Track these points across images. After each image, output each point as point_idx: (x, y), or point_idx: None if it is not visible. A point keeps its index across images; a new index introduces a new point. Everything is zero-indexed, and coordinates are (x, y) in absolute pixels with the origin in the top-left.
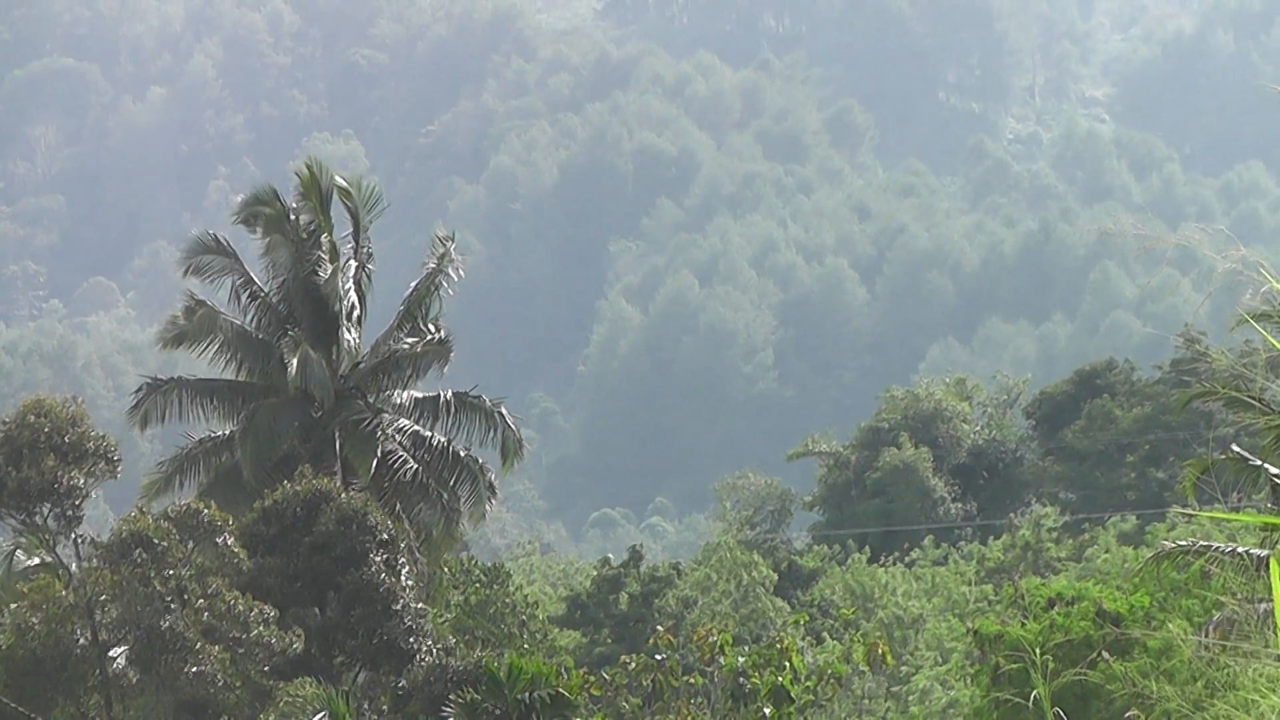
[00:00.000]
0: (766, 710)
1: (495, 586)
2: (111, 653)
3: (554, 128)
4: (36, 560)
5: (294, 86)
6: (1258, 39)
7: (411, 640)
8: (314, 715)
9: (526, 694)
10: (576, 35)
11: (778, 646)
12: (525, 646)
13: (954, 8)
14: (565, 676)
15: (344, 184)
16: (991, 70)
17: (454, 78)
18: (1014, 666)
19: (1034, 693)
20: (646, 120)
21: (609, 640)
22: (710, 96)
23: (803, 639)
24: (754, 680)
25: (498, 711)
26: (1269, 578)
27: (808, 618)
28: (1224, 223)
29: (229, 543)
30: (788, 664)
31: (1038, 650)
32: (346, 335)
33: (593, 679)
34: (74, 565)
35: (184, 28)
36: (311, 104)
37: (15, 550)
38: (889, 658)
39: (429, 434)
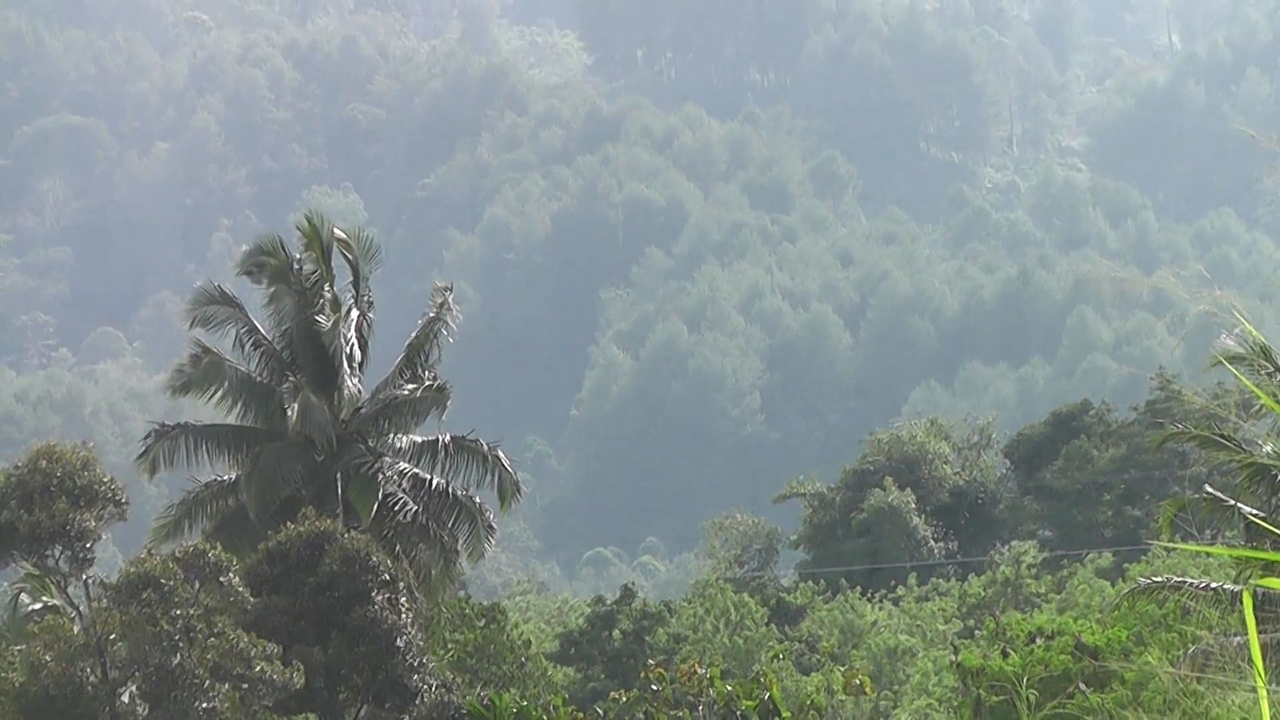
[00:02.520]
0: None
1: (493, 626)
2: (120, 690)
3: (546, 179)
4: (41, 604)
5: (294, 141)
6: (1228, 90)
7: (415, 678)
8: None
9: None
10: (567, 90)
11: (760, 679)
12: (526, 687)
13: (934, 61)
14: (554, 713)
15: (344, 236)
16: (970, 121)
17: (449, 132)
18: (996, 699)
19: None
20: (636, 171)
21: (602, 676)
22: (698, 148)
23: (786, 671)
24: (744, 704)
25: None
26: (1243, 612)
27: (789, 651)
28: (1197, 268)
29: (234, 582)
30: (767, 694)
31: (1021, 682)
32: (348, 381)
33: (581, 716)
34: (84, 605)
35: (187, 85)
36: (311, 158)
37: (20, 594)
38: (868, 688)
39: (428, 477)
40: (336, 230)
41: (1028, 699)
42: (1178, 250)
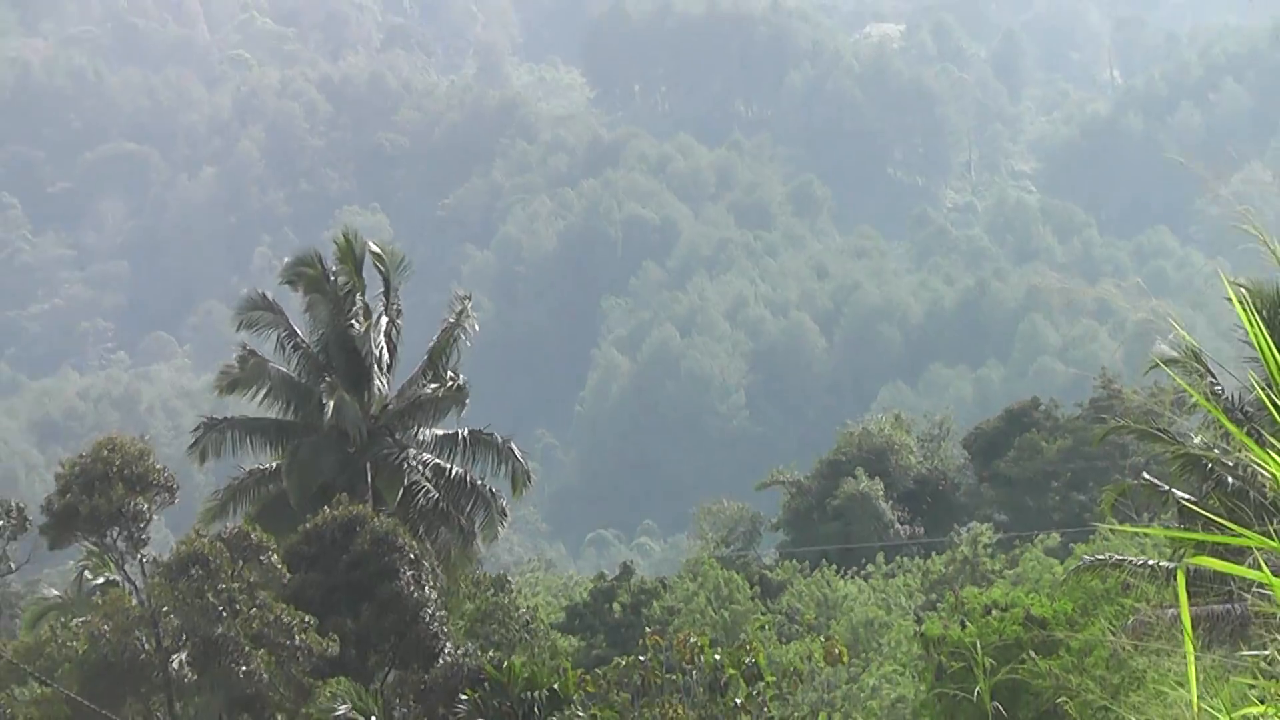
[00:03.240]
0: (739, 699)
1: (501, 595)
2: (172, 657)
3: (553, 200)
4: (103, 579)
5: (327, 166)
6: (1163, 120)
7: (436, 644)
8: (343, 708)
9: (527, 692)
10: (572, 120)
11: (746, 646)
12: (531, 650)
13: (900, 94)
14: (563, 675)
15: (378, 250)
16: (933, 148)
17: (466, 158)
18: (956, 665)
19: (977, 689)
20: (633, 194)
21: (604, 644)
22: (688, 172)
23: (770, 640)
24: (729, 670)
25: (503, 707)
26: (1176, 587)
27: (772, 623)
28: (1135, 280)
29: (274, 561)
30: (752, 660)
31: (977, 649)
32: (377, 381)
33: (589, 678)
34: (139, 581)
35: (231, 116)
36: (343, 181)
37: (84, 571)
38: (844, 656)
39: (448, 466)
40: (371, 245)
41: (983, 665)
42: (1118, 264)
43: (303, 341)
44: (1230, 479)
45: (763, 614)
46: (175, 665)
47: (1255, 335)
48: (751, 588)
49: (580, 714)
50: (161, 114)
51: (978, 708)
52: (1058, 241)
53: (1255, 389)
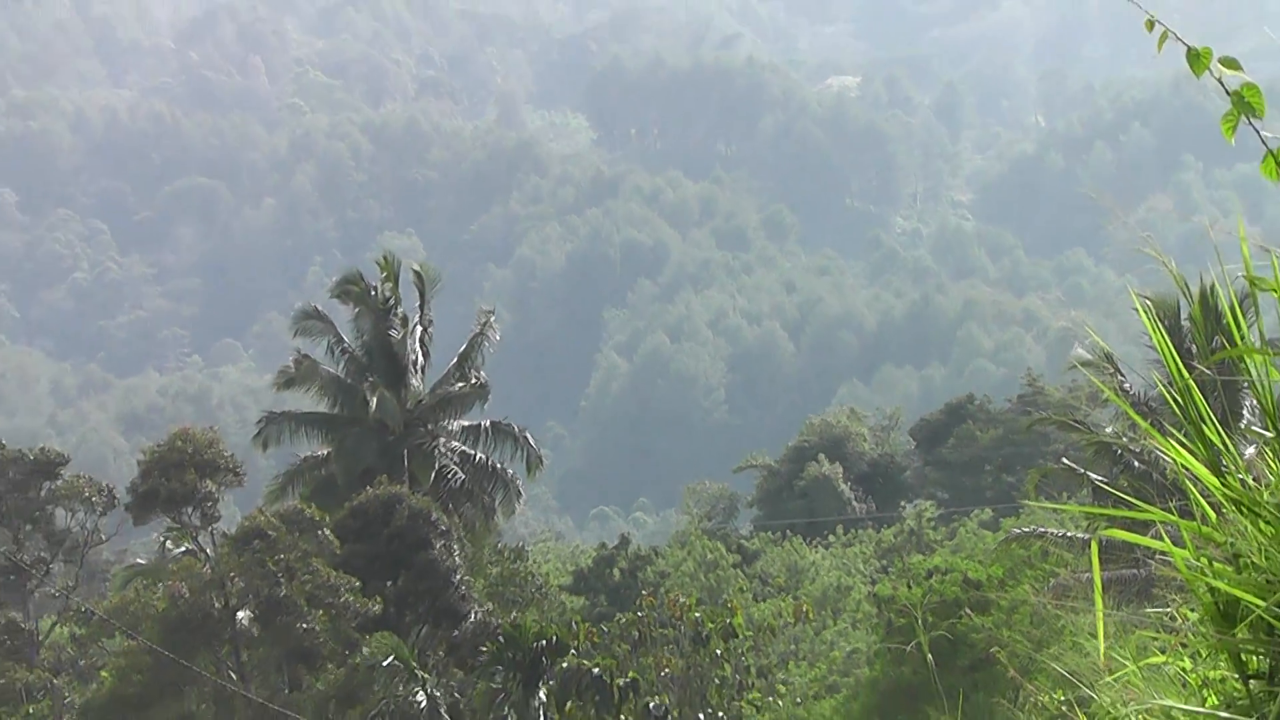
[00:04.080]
0: (719, 650)
1: (518, 562)
2: (238, 615)
3: (562, 226)
4: (180, 549)
5: (370, 197)
6: (1080, 158)
7: (462, 605)
8: (385, 659)
9: (536, 643)
10: (578, 158)
11: (727, 606)
12: (543, 609)
13: (857, 136)
14: (573, 629)
15: (417, 269)
16: (884, 182)
17: (488, 190)
18: (902, 621)
19: (917, 641)
20: (630, 220)
21: (605, 603)
22: (677, 202)
23: (747, 600)
24: (709, 625)
25: (516, 657)
26: (1090, 555)
27: (749, 586)
28: (1057, 294)
29: (325, 534)
30: (729, 619)
31: (920, 608)
32: (413, 380)
33: (594, 631)
34: (211, 551)
35: (288, 154)
36: (383, 209)
37: (164, 542)
38: (810, 614)
39: (473, 452)
40: (412, 265)
41: (925, 620)
42: (1042, 280)
43: (349, 347)
44: (1136, 463)
45: (741, 578)
46: (242, 622)
47: (1158, 340)
48: (731, 555)
49: (579, 658)
50: (228, 152)
51: (922, 656)
52: (990, 261)
53: (1158, 387)
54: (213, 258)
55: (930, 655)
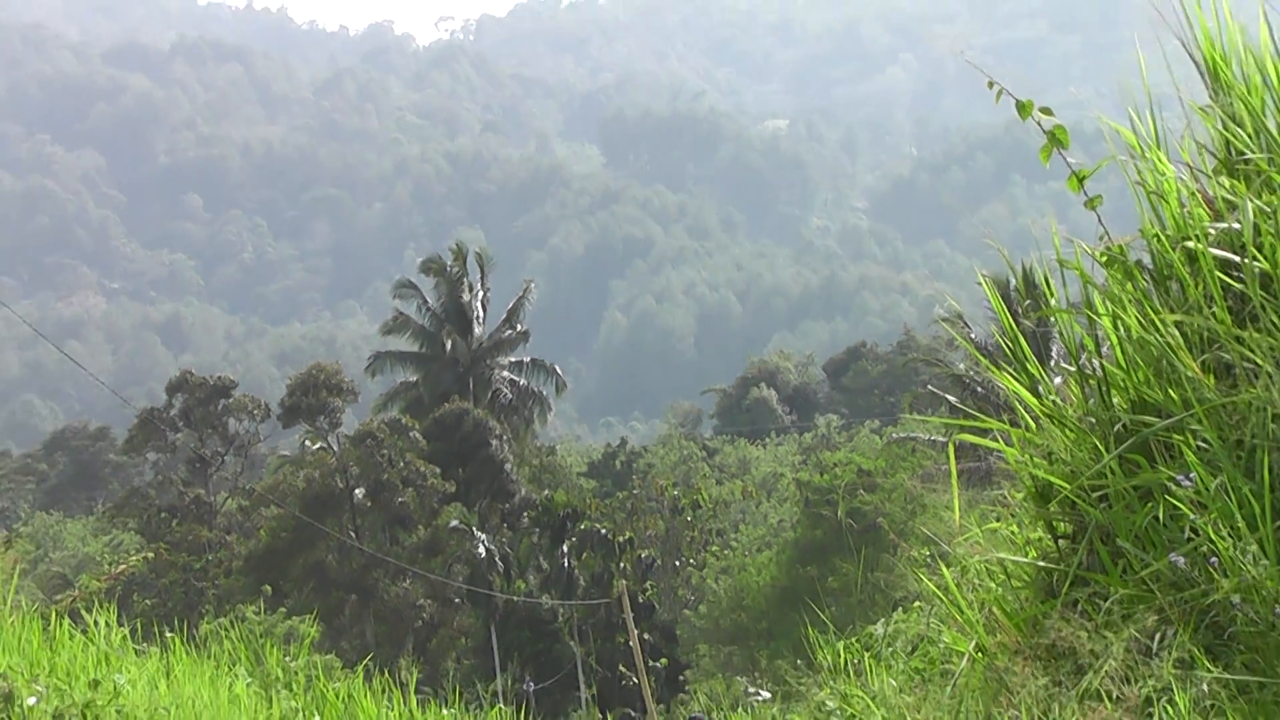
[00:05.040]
0: (689, 518)
1: (550, 457)
2: (354, 491)
3: (581, 224)
4: (316, 446)
5: (447, 203)
6: (941, 177)
7: (510, 486)
8: (456, 523)
9: (562, 512)
10: (593, 176)
11: (696, 488)
12: (566, 488)
13: (786, 161)
14: (588, 503)
15: (479, 252)
16: (804, 193)
17: (529, 198)
18: (816, 498)
19: (838, 512)
20: (629, 220)
21: (610, 485)
22: (661, 207)
23: (709, 484)
24: (683, 501)
25: (549, 520)
26: (948, 452)
27: (711, 472)
28: (924, 272)
29: (416, 436)
30: (695, 496)
31: (830, 489)
32: (476, 330)
33: (602, 505)
34: (336, 447)
35: (391, 172)
36: (456, 211)
37: (304, 441)
38: (754, 494)
39: (518, 380)
40: (476, 250)
41: (839, 497)
42: (914, 262)
43: (432, 306)
44: (979, 389)
45: (705, 468)
46: (358, 496)
47: (994, 303)
48: (699, 452)
49: (591, 523)
50: (349, 171)
51: (830, 522)
52: (878, 248)
53: (995, 336)
54: (338, 244)
55: (842, 520)
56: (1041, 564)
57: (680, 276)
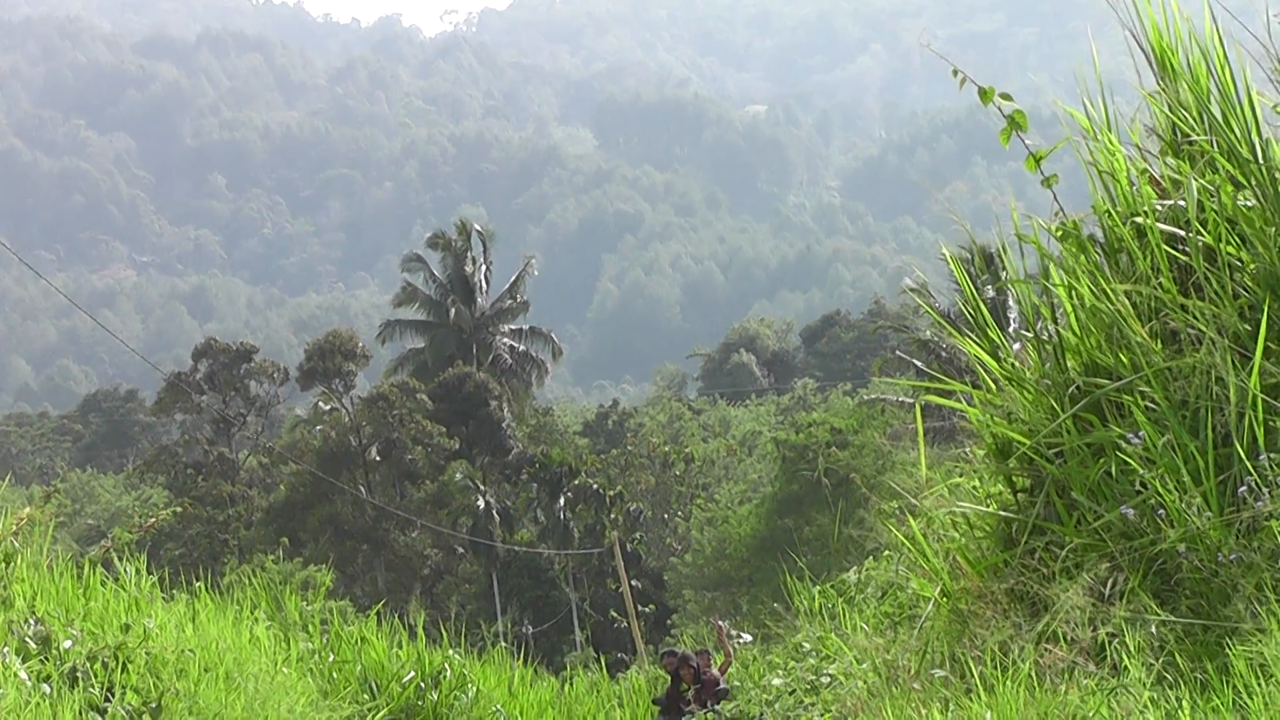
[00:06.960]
0: (678, 472)
1: (547, 417)
2: (367, 449)
3: (575, 201)
4: (330, 407)
5: (452, 182)
6: (908, 158)
7: (510, 444)
8: (460, 478)
9: (558, 468)
10: (586, 157)
11: (683, 445)
12: (562, 445)
13: (765, 143)
14: (583, 460)
15: (481, 229)
16: (782, 173)
17: (528, 178)
18: (793, 455)
19: (815, 472)
20: (619, 198)
21: (603, 443)
22: (649, 186)
23: (695, 441)
24: (672, 457)
25: (546, 477)
26: (915, 412)
27: (698, 430)
28: (892, 245)
29: (422, 397)
30: (685, 450)
31: (809, 447)
32: (479, 299)
33: (596, 461)
34: (350, 407)
35: (400, 154)
36: (460, 190)
37: (318, 402)
38: (737, 451)
39: (518, 345)
40: (478, 226)
41: (818, 454)
42: (883, 236)
43: (438, 277)
44: (944, 354)
45: (692, 427)
46: (371, 455)
47: (958, 274)
48: (686, 412)
49: (586, 478)
50: (361, 153)
51: (806, 478)
52: (850, 224)
53: (958, 305)
54: (351, 220)
55: (817, 475)
56: (1002, 515)
57: (667, 250)
